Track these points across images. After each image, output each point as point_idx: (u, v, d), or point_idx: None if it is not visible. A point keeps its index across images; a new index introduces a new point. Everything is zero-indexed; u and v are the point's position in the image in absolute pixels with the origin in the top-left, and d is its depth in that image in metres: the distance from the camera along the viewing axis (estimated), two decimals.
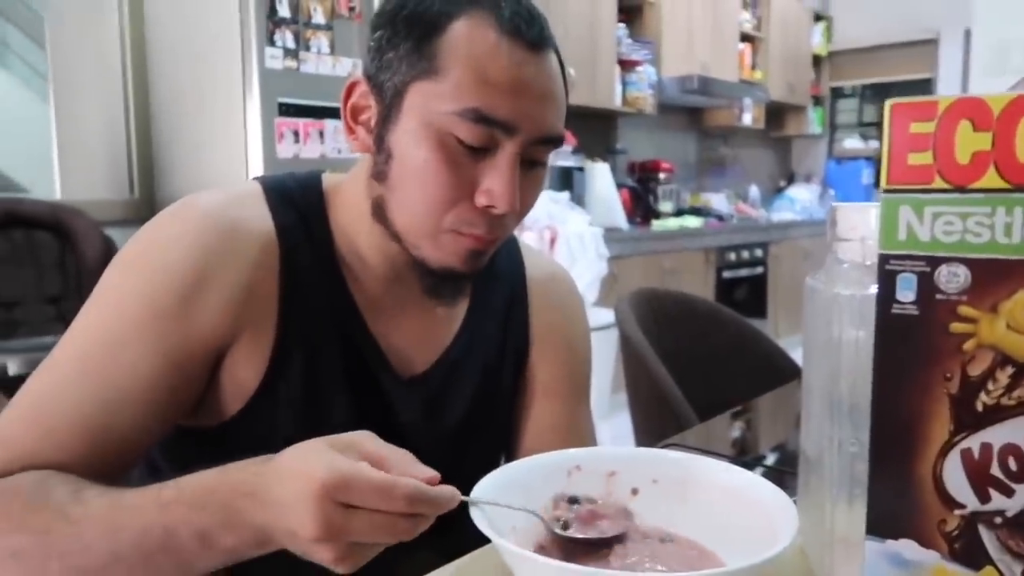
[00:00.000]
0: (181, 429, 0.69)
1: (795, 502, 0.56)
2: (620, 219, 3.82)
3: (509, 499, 0.56)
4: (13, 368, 1.79)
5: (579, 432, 0.85)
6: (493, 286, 0.82)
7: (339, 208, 0.74)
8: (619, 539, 0.59)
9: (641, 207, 4.27)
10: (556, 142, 0.69)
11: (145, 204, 2.59)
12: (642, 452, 0.67)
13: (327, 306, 0.72)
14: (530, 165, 0.69)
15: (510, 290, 0.84)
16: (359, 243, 0.73)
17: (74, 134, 2.91)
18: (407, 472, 0.51)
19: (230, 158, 2.26)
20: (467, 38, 0.65)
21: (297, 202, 0.73)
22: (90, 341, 0.64)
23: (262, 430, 0.69)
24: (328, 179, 0.77)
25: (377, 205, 0.70)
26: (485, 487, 0.56)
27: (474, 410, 0.80)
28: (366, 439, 0.53)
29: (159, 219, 0.69)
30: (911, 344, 0.43)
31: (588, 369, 0.89)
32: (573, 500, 0.61)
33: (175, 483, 0.56)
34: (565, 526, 0.59)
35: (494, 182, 0.65)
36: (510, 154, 0.66)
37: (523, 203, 0.68)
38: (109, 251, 2.26)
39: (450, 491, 0.51)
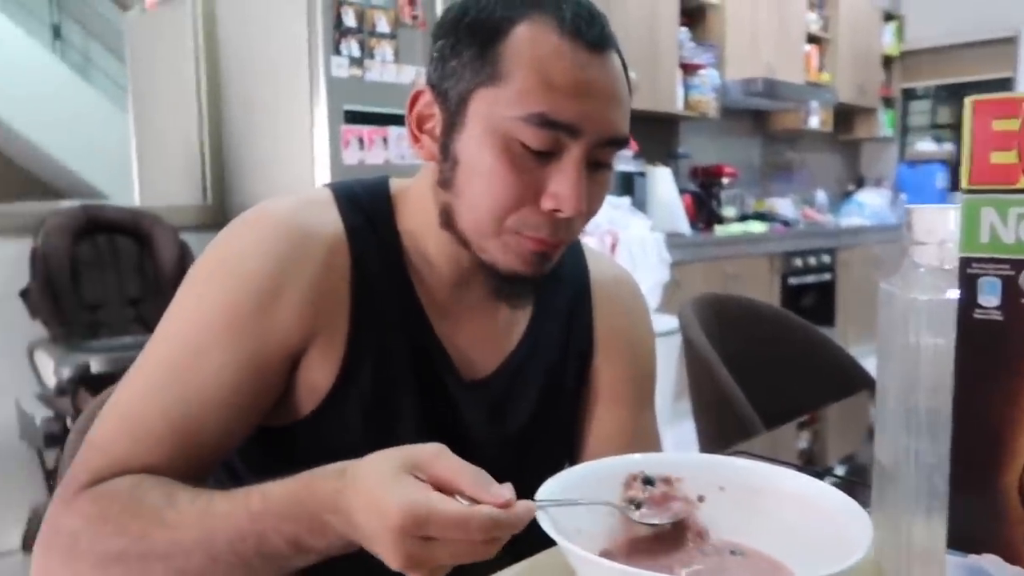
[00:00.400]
0: (255, 427, 0.71)
1: (868, 513, 0.55)
2: (682, 224, 3.77)
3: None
4: (96, 367, 1.88)
5: (643, 437, 0.84)
6: (557, 289, 0.82)
7: (406, 212, 0.75)
8: (686, 535, 0.58)
9: (704, 212, 4.21)
10: (621, 143, 0.69)
11: (218, 210, 2.67)
12: (708, 459, 0.66)
13: (395, 309, 0.73)
14: (595, 167, 0.68)
15: (574, 293, 0.84)
16: (426, 247, 0.74)
17: (152, 143, 3.03)
18: (480, 495, 0.51)
19: (298, 164, 2.32)
20: (529, 42, 0.65)
21: (365, 207, 0.74)
22: (174, 349, 0.66)
23: (333, 429, 0.71)
24: (395, 184, 0.78)
25: (445, 212, 0.71)
26: (548, 490, 0.56)
27: (538, 414, 0.80)
28: (437, 457, 0.53)
29: (234, 227, 0.70)
30: (995, 351, 0.42)
31: (653, 374, 0.88)
32: (648, 481, 0.61)
33: (260, 492, 0.57)
34: (638, 506, 0.59)
35: (560, 186, 0.65)
36: (576, 157, 0.66)
37: (589, 205, 0.68)
38: (184, 255, 2.35)
39: (524, 510, 0.51)
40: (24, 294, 2.15)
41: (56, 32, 5.68)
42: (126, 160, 3.12)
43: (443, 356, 0.75)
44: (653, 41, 3.77)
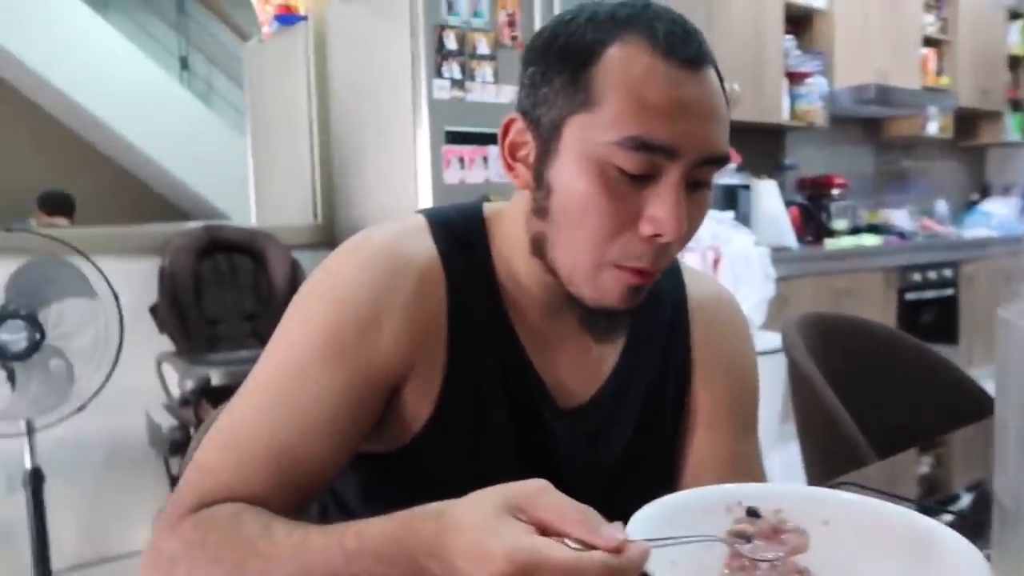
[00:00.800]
0: (356, 455, 0.71)
1: (988, 557, 0.52)
2: (789, 238, 3.64)
3: (662, 534, 0.54)
4: (216, 379, 1.99)
5: (744, 465, 0.81)
6: (654, 310, 0.79)
7: (501, 238, 0.75)
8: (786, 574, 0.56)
9: (812, 225, 4.06)
10: (721, 162, 0.66)
11: (327, 228, 2.79)
12: (811, 491, 0.63)
13: (490, 336, 0.73)
14: (694, 187, 0.66)
15: (671, 314, 0.82)
16: (519, 273, 0.74)
17: (267, 165, 3.20)
18: (590, 538, 0.47)
19: (401, 185, 2.39)
20: (622, 64, 0.63)
21: (460, 233, 0.74)
22: (279, 372, 0.67)
23: (433, 457, 0.71)
24: (489, 208, 0.77)
25: (536, 241, 0.70)
26: (640, 519, 0.54)
27: (635, 441, 0.79)
28: (541, 494, 0.50)
29: (338, 254, 0.72)
30: None
31: (755, 398, 0.85)
32: (752, 512, 0.58)
33: (356, 529, 0.56)
34: (747, 540, 0.56)
35: (659, 209, 0.64)
36: (674, 179, 0.64)
37: (689, 228, 0.66)
38: (296, 273, 2.46)
39: (639, 554, 0.47)
40: (153, 310, 2.31)
41: (184, 63, 6.11)
42: (246, 182, 3.31)
43: (538, 384, 0.75)
44: (758, 50, 3.68)
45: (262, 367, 0.69)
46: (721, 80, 0.67)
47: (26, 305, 1.82)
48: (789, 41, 3.90)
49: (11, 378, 1.84)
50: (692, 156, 0.64)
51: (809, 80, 3.96)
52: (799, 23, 4.04)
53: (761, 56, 3.70)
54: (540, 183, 0.68)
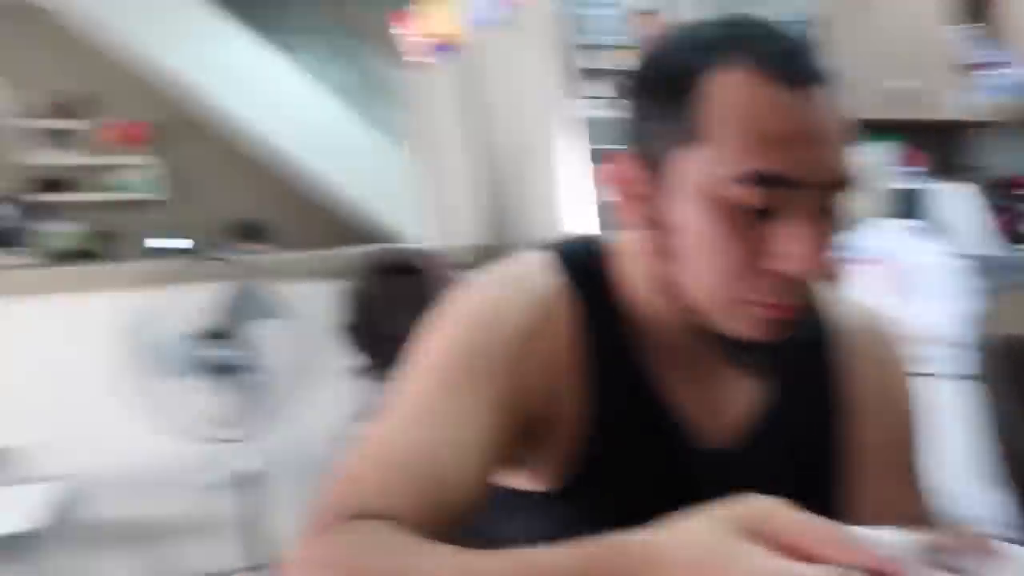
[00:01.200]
0: (506, 494, 0.70)
1: None
2: (989, 246, 3.32)
3: None
4: None
5: (909, 513, 0.73)
6: (797, 343, 0.73)
7: (623, 274, 0.71)
8: None
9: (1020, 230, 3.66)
10: (846, 186, 0.62)
11: (491, 249, 2.86)
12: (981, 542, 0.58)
13: (622, 376, 0.70)
14: (820, 214, 0.61)
15: (819, 345, 0.76)
16: (644, 309, 0.70)
17: (435, 188, 3.39)
18: (858, 560, 0.39)
19: (560, 203, 2.45)
20: (729, 92, 0.59)
21: (583, 268, 0.71)
22: (425, 387, 0.64)
23: (581, 500, 0.69)
24: (608, 241, 0.74)
25: (664, 281, 0.66)
26: None
27: (785, 487, 0.74)
28: (779, 514, 0.41)
29: (470, 287, 0.71)
30: None
31: (914, 433, 0.79)
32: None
33: (528, 559, 0.47)
34: (945, 554, 0.52)
35: (789, 244, 0.60)
36: (800, 210, 0.59)
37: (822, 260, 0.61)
38: None
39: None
40: (341, 329, 2.51)
41: (359, 95, 6.52)
42: (417, 205, 3.52)
43: (671, 425, 0.71)
44: (932, 43, 3.38)
45: (407, 383, 0.66)
46: (836, 95, 0.62)
47: (229, 325, 2.06)
48: (967, 30, 3.55)
49: (220, 390, 2.08)
50: (816, 184, 0.60)
51: (997, 71, 3.59)
52: (979, 9, 3.66)
53: (937, 48, 3.40)
54: (657, 222, 0.65)
